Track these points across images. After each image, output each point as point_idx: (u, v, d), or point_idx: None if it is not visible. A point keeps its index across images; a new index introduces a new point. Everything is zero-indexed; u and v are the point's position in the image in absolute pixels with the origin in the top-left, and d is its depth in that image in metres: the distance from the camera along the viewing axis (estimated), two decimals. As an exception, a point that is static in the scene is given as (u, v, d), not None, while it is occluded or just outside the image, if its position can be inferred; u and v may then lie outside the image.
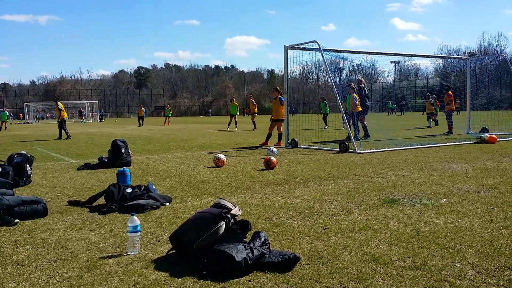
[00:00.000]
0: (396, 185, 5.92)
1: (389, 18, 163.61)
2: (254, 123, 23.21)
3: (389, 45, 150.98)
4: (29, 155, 6.94)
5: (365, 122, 14.37)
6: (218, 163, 8.22)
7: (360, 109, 13.78)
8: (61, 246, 3.55)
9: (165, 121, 34.26)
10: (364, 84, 14.57)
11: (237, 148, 12.19)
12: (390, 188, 5.75)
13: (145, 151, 11.63)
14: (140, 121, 33.41)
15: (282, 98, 12.78)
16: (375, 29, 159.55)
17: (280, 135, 12.77)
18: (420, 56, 15.47)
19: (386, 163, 8.26)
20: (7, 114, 30.91)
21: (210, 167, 8.10)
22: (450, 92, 16.73)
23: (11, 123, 39.40)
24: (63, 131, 17.98)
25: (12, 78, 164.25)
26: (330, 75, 12.05)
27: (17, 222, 4.28)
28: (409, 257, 3.09)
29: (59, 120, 18.19)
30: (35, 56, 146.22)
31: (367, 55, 14.70)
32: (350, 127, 12.13)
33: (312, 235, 3.67)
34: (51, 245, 3.58)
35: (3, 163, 6.34)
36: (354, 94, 13.83)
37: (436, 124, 22.02)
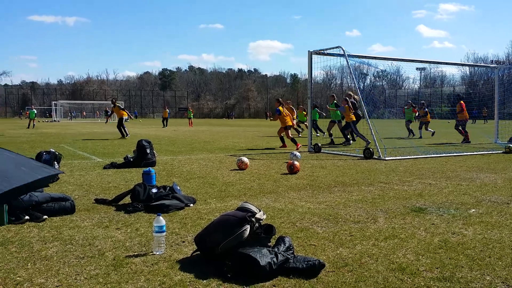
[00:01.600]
0: (423, 194, 5.82)
1: (415, 25, 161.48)
2: (296, 129, 21.24)
3: (414, 52, 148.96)
4: (57, 153, 7.11)
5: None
6: (241, 166, 8.23)
7: (354, 118, 14.18)
8: (88, 243, 3.61)
9: (189, 123, 34.71)
10: (353, 98, 14.89)
11: (260, 151, 12.20)
12: (417, 196, 5.66)
13: (169, 152, 11.75)
14: (164, 122, 33.82)
15: (278, 109, 13.53)
16: (400, 36, 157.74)
17: (282, 138, 13.75)
18: (446, 63, 15.21)
19: (412, 171, 8.14)
20: (35, 112, 31.70)
21: (233, 170, 8.13)
22: (462, 101, 16.90)
23: (38, 121, 40.36)
24: (123, 129, 18.24)
25: (40, 77, 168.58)
26: (355, 81, 11.97)
27: (46, 218, 4.37)
28: (437, 268, 3.03)
29: (118, 119, 18.57)
30: (62, 56, 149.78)
31: (392, 61, 14.57)
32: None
33: (337, 242, 3.63)
34: (78, 242, 3.65)
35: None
36: (346, 106, 14.39)
37: (412, 133, 19.73)
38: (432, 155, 10.84)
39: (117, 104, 19.48)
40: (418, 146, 14.03)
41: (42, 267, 3.07)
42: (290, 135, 13.63)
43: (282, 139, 13.85)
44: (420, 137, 19.11)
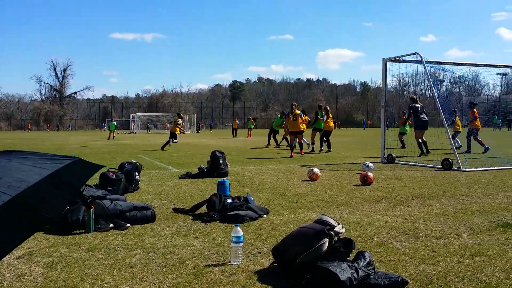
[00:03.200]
0: (509, 208, 5.43)
1: (495, 28, 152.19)
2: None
3: (495, 56, 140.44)
4: (138, 164, 7.46)
5: (423, 138, 13.37)
6: (312, 177, 8.16)
7: (332, 129, 16.78)
8: (169, 251, 3.75)
9: (248, 133, 34.47)
10: (417, 102, 13.66)
11: (331, 161, 12.03)
12: (503, 210, 5.28)
13: (239, 162, 11.94)
14: (234, 132, 34.47)
15: (287, 114, 15.08)
16: (479, 40, 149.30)
17: (299, 145, 14.54)
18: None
19: (495, 183, 7.62)
20: (115, 124, 33.66)
21: (304, 181, 8.08)
22: (475, 109, 15.57)
23: (118, 133, 42.78)
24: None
25: (120, 91, 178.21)
26: (434, 89, 11.47)
27: (129, 226, 4.60)
28: (533, 290, 2.80)
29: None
30: (140, 71, 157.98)
31: (470, 66, 13.76)
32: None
33: (419, 258, 3.48)
34: (160, 250, 3.80)
35: (116, 170, 6.88)
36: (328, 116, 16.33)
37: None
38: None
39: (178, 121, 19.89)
40: (501, 156, 13.12)
41: (127, 274, 3.22)
42: (293, 142, 14.27)
43: (301, 145, 14.47)
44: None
